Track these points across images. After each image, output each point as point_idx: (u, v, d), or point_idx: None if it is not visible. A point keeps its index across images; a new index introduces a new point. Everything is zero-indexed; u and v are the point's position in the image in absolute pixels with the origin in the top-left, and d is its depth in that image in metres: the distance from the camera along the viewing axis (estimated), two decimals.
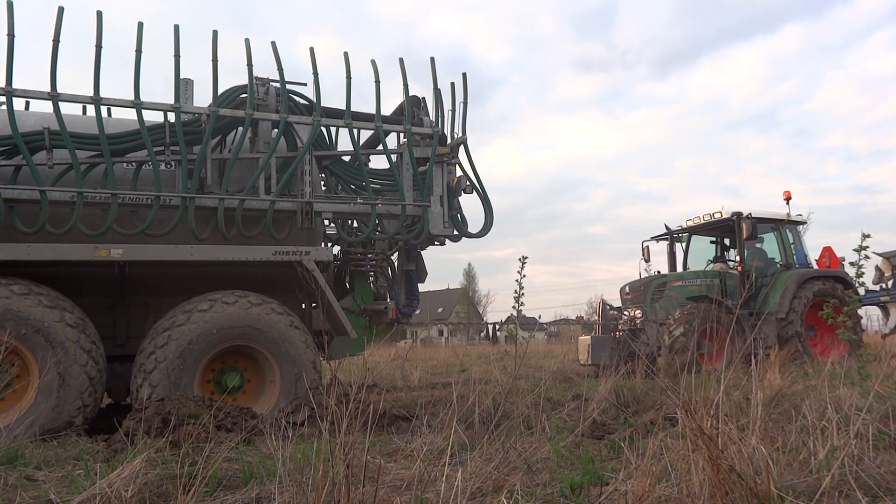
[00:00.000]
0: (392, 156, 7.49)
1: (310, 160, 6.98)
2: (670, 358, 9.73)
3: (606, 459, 3.93)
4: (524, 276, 5.62)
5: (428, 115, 7.75)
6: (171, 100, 6.39)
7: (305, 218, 6.79)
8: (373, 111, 7.21)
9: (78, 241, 6.01)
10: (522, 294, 5.77)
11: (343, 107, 7.10)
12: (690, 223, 12.78)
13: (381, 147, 7.35)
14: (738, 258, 11.94)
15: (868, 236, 4.81)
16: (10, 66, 5.63)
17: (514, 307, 6.68)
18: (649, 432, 4.55)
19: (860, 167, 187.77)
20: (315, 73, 6.88)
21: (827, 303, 5.75)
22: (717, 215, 12.10)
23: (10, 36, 5.58)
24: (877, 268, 13.85)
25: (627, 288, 12.34)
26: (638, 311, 11.70)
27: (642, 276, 12.71)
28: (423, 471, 3.24)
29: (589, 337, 11.57)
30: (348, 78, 6.94)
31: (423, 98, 7.86)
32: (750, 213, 11.65)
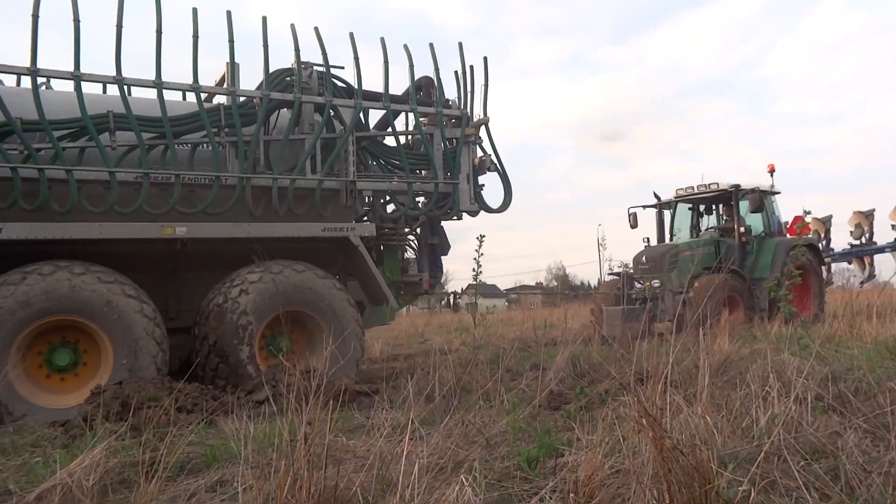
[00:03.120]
0: (417, 136, 7.97)
1: (353, 141, 7.37)
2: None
3: (562, 430, 4.07)
4: (482, 254, 5.71)
5: (443, 96, 8.07)
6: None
7: (350, 196, 7.24)
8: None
9: (142, 219, 6.27)
10: (480, 272, 5.88)
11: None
12: (682, 192, 13.26)
13: (395, 126, 7.82)
14: (740, 228, 12.47)
15: (808, 213, 5.07)
16: (77, 52, 5.82)
17: (473, 280, 6.85)
18: (604, 402, 4.71)
19: (811, 130, 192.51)
20: (356, 59, 7.14)
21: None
22: (714, 186, 12.68)
23: (76, 21, 5.77)
24: (857, 225, 16.19)
25: (644, 258, 12.59)
26: (656, 281, 11.98)
27: (657, 245, 13.18)
28: (385, 449, 3.32)
29: (618, 308, 11.68)
30: (386, 63, 7.35)
31: (440, 81, 8.14)
32: (758, 187, 12.31)
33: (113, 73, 6.09)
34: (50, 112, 5.96)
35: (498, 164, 8.25)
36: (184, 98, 7.28)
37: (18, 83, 6.81)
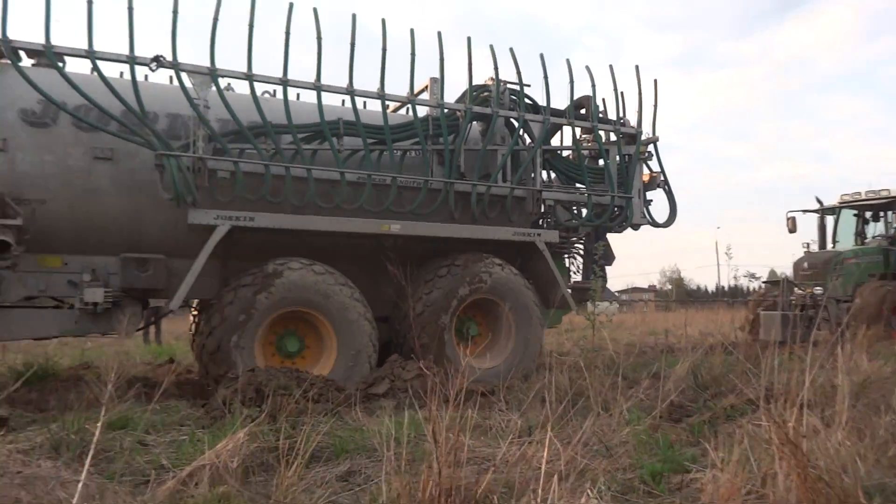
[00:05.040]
0: (581, 150, 8.36)
1: (541, 153, 7.94)
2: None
3: (685, 445, 3.96)
4: (601, 258, 5.64)
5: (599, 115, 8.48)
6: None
7: (536, 204, 7.80)
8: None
9: (361, 216, 6.94)
10: (601, 277, 5.82)
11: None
12: (848, 198, 13.01)
13: (578, 142, 8.32)
14: None
15: None
16: (286, 61, 6.42)
17: (593, 284, 6.86)
18: (730, 418, 4.54)
19: None
20: (545, 78, 7.74)
21: None
22: (884, 193, 12.44)
23: (319, 39, 6.45)
24: None
25: (806, 264, 12.44)
26: (818, 288, 11.75)
27: (819, 251, 12.91)
28: (506, 451, 3.37)
29: (777, 314, 11.42)
30: (571, 82, 7.90)
31: (604, 99, 8.59)
32: None
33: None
34: (277, 118, 6.57)
35: (666, 182, 8.78)
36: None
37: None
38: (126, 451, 3.99)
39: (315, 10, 6.47)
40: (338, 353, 6.54)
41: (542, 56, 7.67)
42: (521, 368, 7.19)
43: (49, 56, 5.75)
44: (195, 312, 7.88)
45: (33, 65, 6.03)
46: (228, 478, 3.21)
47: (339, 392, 5.58)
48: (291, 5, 6.41)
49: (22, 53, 5.86)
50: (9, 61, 5.80)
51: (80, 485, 2.51)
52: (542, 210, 8.21)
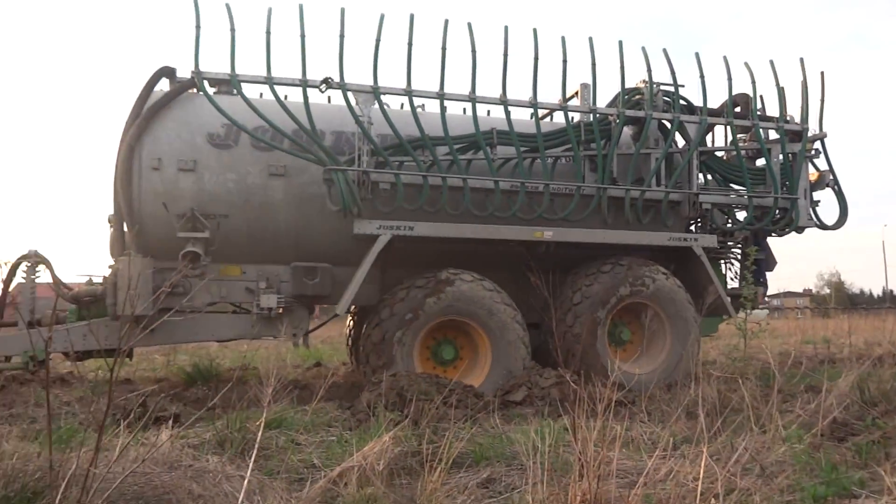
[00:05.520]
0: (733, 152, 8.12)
1: (697, 155, 7.75)
2: None
3: (851, 467, 3.65)
4: (755, 266, 5.31)
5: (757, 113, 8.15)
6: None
7: (692, 208, 7.60)
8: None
9: (512, 223, 6.99)
10: (762, 283, 5.46)
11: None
12: None
13: (737, 141, 8.01)
14: None
15: None
16: (442, 75, 6.66)
17: (745, 291, 6.51)
18: None
19: None
20: (701, 77, 7.48)
21: None
22: None
23: (474, 53, 6.63)
24: None
25: None
26: None
27: None
28: (652, 466, 3.26)
29: None
30: (729, 79, 7.62)
31: (762, 96, 8.28)
32: None
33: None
34: (431, 130, 6.74)
35: (835, 181, 8.33)
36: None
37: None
38: (281, 449, 4.27)
39: (469, 25, 6.63)
40: (490, 369, 6.62)
41: (697, 55, 7.44)
42: (666, 380, 6.96)
43: (234, 84, 6.31)
44: (352, 317, 8.44)
45: (214, 92, 6.59)
46: (375, 479, 3.34)
47: (477, 399, 5.64)
48: (447, 22, 6.60)
49: (204, 82, 6.41)
50: (197, 90, 6.45)
51: (245, 481, 2.72)
52: (698, 214, 7.90)
